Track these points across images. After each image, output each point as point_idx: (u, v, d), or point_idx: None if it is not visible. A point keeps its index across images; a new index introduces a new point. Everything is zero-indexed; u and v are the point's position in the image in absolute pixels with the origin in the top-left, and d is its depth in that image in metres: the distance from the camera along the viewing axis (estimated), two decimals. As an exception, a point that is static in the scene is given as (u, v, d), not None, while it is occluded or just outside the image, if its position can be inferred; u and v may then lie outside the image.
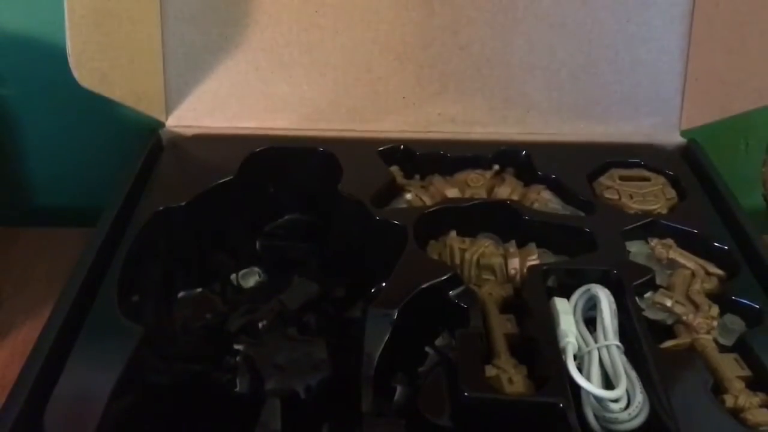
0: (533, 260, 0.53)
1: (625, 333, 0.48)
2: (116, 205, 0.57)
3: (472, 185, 0.61)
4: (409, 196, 0.60)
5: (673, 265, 0.54)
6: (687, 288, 0.51)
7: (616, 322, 0.48)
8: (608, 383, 0.45)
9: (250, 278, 0.62)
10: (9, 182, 0.77)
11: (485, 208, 0.58)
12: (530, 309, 0.49)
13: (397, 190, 0.61)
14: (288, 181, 0.65)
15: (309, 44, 0.66)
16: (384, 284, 0.51)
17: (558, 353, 0.46)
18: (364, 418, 0.44)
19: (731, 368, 0.45)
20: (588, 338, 0.47)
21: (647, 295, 0.51)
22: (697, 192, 0.61)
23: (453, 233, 0.56)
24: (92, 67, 0.58)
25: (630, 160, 0.64)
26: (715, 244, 0.55)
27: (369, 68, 0.67)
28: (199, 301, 0.59)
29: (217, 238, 0.62)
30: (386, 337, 0.47)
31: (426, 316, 0.50)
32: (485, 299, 0.51)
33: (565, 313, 0.48)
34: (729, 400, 0.43)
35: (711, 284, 0.52)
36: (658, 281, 0.52)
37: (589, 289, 0.50)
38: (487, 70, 0.67)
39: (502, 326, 0.49)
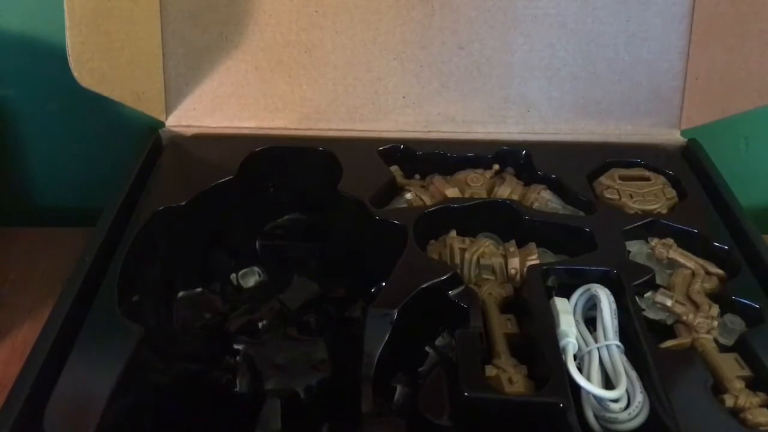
0: (533, 260, 0.53)
1: (625, 333, 0.48)
2: (116, 205, 0.56)
3: (472, 185, 0.61)
4: (409, 195, 0.60)
5: (673, 264, 0.54)
6: (687, 288, 0.51)
7: (616, 321, 0.48)
8: (608, 383, 0.45)
9: (250, 278, 0.62)
10: (9, 182, 0.77)
11: (485, 208, 0.58)
12: (530, 309, 0.49)
13: (397, 190, 0.61)
14: (288, 181, 0.65)
15: (309, 44, 0.66)
16: (384, 284, 0.51)
17: (558, 353, 0.46)
18: (364, 418, 0.44)
19: (731, 368, 0.45)
20: (588, 338, 0.47)
21: (647, 294, 0.51)
22: (697, 192, 0.61)
23: (453, 233, 0.56)
24: (92, 67, 0.58)
25: (630, 160, 0.64)
26: (715, 243, 0.55)
27: (369, 68, 0.67)
28: (199, 301, 0.59)
29: (217, 238, 0.62)
30: (386, 337, 0.47)
31: (426, 316, 0.50)
32: (485, 299, 0.51)
33: (565, 312, 0.48)
34: (729, 400, 0.43)
35: (711, 284, 0.52)
36: (658, 281, 0.52)
37: (589, 289, 0.50)
38: (487, 70, 0.67)
39: (502, 326, 0.49)
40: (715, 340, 0.48)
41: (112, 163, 0.64)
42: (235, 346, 0.54)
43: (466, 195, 0.60)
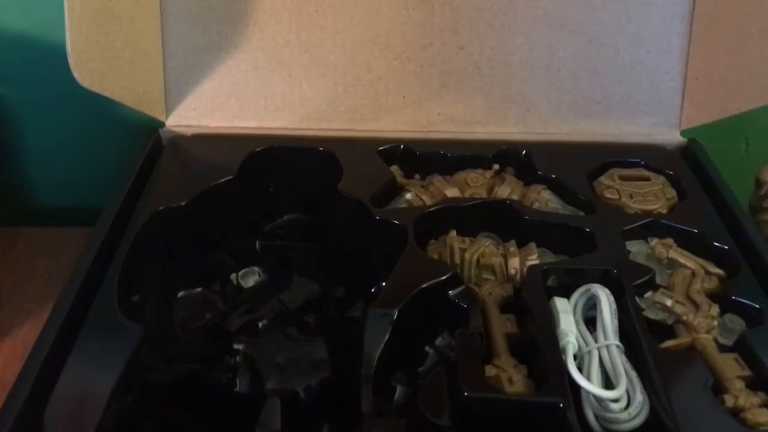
0: (533, 260, 0.53)
1: (625, 333, 0.48)
2: (116, 205, 0.57)
3: (472, 185, 0.61)
4: (409, 195, 0.60)
5: (673, 264, 0.54)
6: (687, 288, 0.51)
7: (616, 321, 0.48)
8: (608, 383, 0.45)
9: (250, 278, 0.62)
10: (9, 182, 0.77)
11: (485, 208, 0.58)
12: (530, 309, 0.49)
13: (397, 190, 0.61)
14: (288, 181, 0.65)
15: (309, 44, 0.66)
16: (384, 284, 0.51)
17: (558, 353, 0.46)
18: (364, 418, 0.44)
19: (731, 368, 0.45)
20: (588, 338, 0.47)
21: (647, 294, 0.51)
22: (697, 192, 0.61)
23: (453, 233, 0.56)
24: (92, 67, 0.58)
25: (630, 160, 0.64)
26: (715, 243, 0.55)
27: (369, 68, 0.67)
28: (199, 301, 0.59)
29: (217, 238, 0.62)
30: (386, 337, 0.47)
31: (426, 316, 0.50)
32: (485, 299, 0.51)
33: (565, 312, 0.48)
34: (729, 400, 0.43)
35: (711, 284, 0.52)
36: (658, 281, 0.52)
37: (589, 289, 0.50)
38: (487, 69, 0.67)
39: (502, 326, 0.49)
40: (715, 340, 0.48)
41: (112, 163, 0.64)
42: (235, 346, 0.54)
43: (466, 195, 0.60)
